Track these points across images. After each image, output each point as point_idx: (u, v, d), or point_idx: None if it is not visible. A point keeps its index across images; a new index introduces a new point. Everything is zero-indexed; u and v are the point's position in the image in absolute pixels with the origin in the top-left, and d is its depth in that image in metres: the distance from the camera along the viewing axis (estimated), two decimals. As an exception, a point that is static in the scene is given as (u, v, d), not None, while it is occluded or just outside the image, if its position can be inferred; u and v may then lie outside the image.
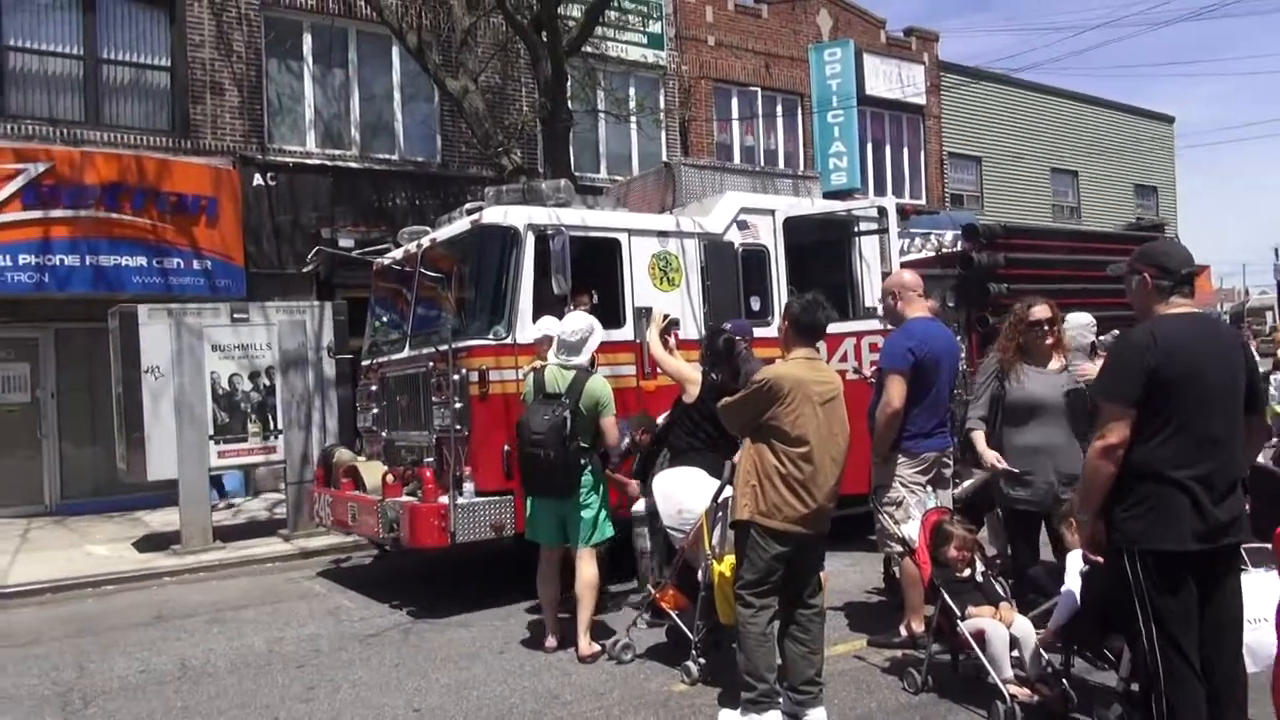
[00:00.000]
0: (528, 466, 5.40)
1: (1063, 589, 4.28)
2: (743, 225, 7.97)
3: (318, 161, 14.17)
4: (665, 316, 6.58)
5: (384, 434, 8.03)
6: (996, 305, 9.79)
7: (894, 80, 21.14)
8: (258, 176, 13.53)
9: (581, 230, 7.12)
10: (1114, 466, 3.25)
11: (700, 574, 4.97)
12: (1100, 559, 3.35)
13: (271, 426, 9.99)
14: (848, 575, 7.13)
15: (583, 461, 5.39)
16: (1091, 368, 5.28)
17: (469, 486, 6.59)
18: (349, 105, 14.73)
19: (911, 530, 4.77)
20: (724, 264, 7.81)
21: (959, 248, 10.30)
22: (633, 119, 16.49)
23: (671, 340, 6.48)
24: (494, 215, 6.96)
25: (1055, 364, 4.97)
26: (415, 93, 15.19)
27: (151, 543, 9.99)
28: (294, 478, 9.75)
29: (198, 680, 5.58)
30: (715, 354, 5.76)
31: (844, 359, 7.86)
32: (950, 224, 12.81)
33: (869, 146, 20.81)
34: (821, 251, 8.57)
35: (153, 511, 11.74)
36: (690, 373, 5.88)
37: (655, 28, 17.62)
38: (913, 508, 4.92)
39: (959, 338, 7.62)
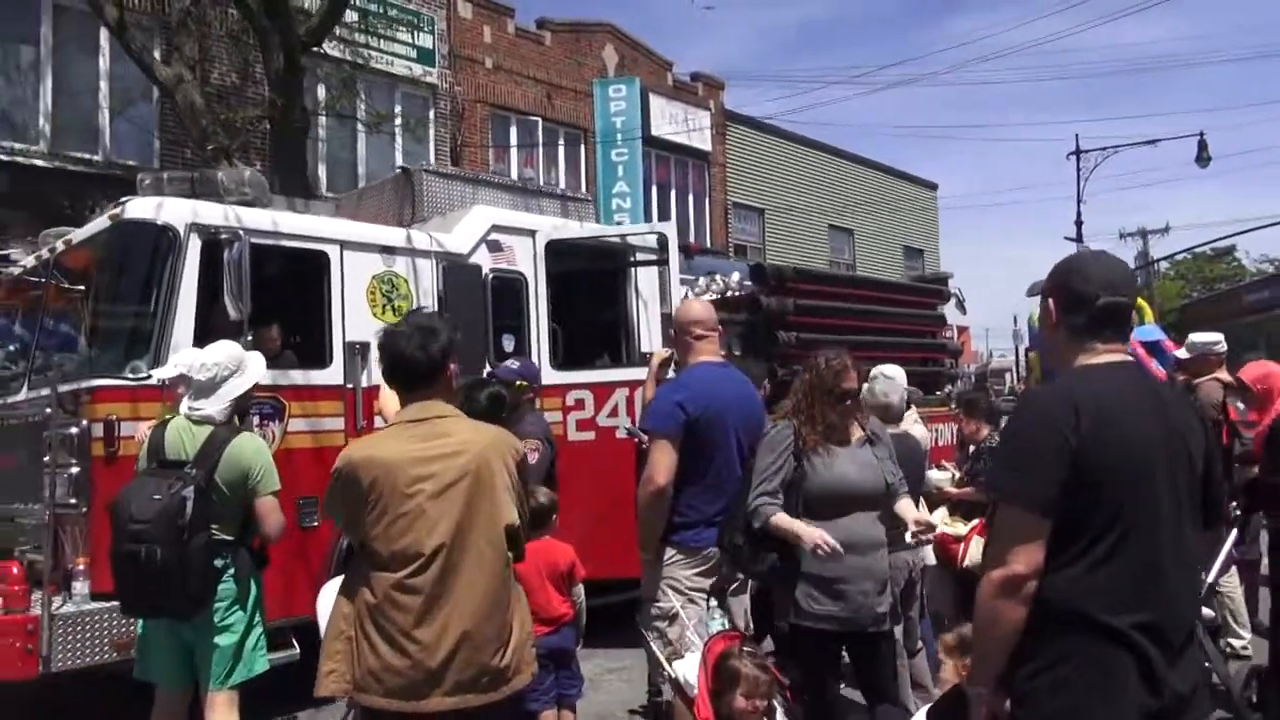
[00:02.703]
0: (124, 572, 3.53)
1: None
2: (494, 246, 6.49)
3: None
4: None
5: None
6: (785, 356, 8.91)
7: (680, 124, 20.48)
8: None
9: (272, 237, 5.39)
10: (1024, 608, 1.99)
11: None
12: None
13: None
14: (609, 685, 5.69)
15: (219, 562, 3.63)
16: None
17: (81, 587, 4.65)
18: (38, 90, 12.12)
19: (689, 669, 3.32)
20: (468, 292, 6.26)
21: (745, 291, 9.36)
22: (397, 136, 14.73)
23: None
24: (142, 209, 5.11)
25: (856, 435, 3.76)
26: (130, 84, 12.78)
27: None
28: None
29: None
30: (476, 415, 4.04)
31: (614, 414, 6.53)
32: (734, 267, 11.98)
33: (654, 189, 19.98)
34: (591, 284, 7.26)
35: None
36: None
37: (425, 41, 16.00)
38: (690, 630, 3.50)
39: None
